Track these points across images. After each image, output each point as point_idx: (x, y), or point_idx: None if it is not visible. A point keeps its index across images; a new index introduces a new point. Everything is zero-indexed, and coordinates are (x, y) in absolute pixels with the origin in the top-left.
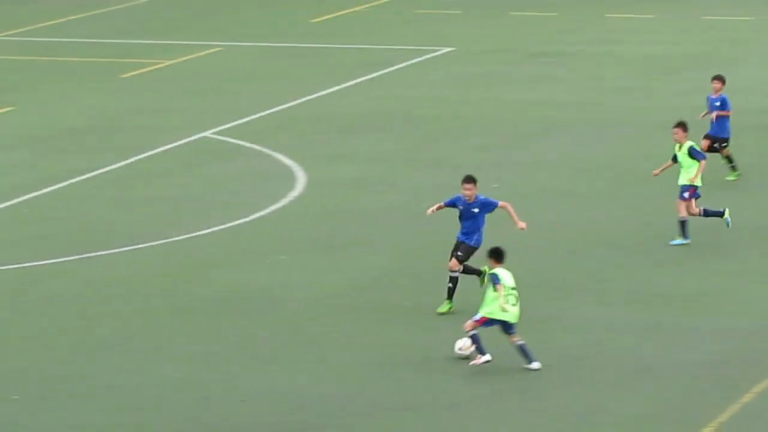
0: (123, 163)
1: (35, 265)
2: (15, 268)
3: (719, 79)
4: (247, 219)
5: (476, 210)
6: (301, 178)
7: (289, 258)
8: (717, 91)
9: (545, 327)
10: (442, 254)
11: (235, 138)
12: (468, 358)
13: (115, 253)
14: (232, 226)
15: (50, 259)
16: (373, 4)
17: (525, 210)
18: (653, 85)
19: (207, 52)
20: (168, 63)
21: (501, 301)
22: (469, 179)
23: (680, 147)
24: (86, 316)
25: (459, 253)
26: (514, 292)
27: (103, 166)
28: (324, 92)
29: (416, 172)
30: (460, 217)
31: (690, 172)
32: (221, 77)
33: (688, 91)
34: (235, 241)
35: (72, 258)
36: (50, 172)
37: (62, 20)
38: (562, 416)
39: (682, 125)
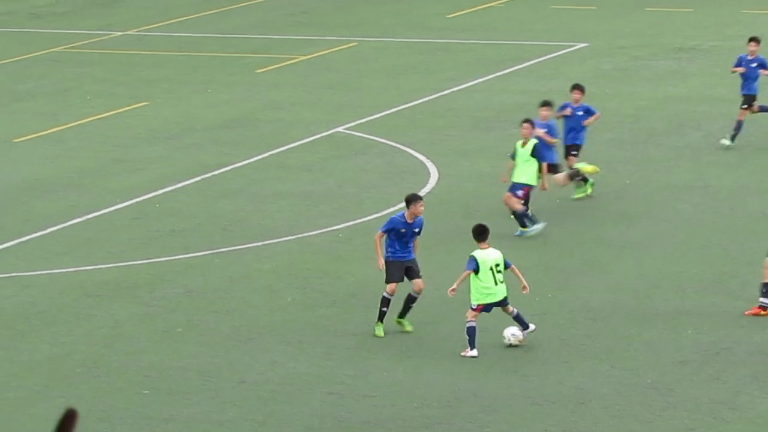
0: (257, 158)
1: (167, 260)
2: (147, 263)
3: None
4: (380, 214)
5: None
6: (433, 174)
7: (421, 253)
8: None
9: (679, 321)
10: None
11: (368, 133)
12: (518, 344)
13: (247, 248)
14: (364, 221)
15: (182, 254)
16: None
17: (657, 205)
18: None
19: (342, 47)
20: (303, 58)
21: (455, 286)
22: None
23: (524, 144)
24: (218, 310)
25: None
26: (499, 269)
27: (237, 161)
28: (457, 88)
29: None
30: (402, 237)
31: (529, 171)
32: (355, 72)
33: None
34: (367, 236)
35: (204, 253)
36: (184, 167)
37: (196, 15)
38: (690, 412)
39: (530, 121)
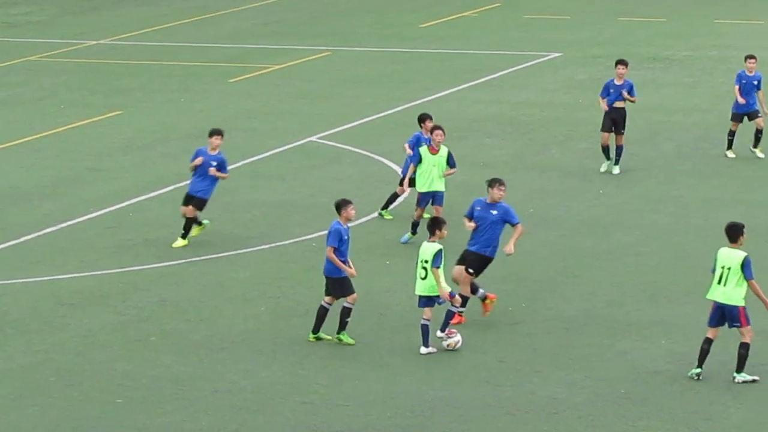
0: (230, 167)
1: (141, 269)
2: (121, 272)
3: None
4: (353, 224)
5: None
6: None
7: (393, 263)
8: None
9: (652, 331)
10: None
11: (341, 142)
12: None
13: (221, 257)
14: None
15: (156, 264)
16: (481, 9)
17: (631, 215)
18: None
19: (315, 56)
20: (276, 67)
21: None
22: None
23: (434, 150)
24: (191, 320)
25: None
26: (426, 264)
27: None
28: (430, 97)
29: (523, 177)
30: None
31: (439, 179)
32: (328, 82)
33: None
34: None
35: (178, 262)
36: (158, 176)
37: (170, 25)
38: (664, 422)
39: (442, 127)
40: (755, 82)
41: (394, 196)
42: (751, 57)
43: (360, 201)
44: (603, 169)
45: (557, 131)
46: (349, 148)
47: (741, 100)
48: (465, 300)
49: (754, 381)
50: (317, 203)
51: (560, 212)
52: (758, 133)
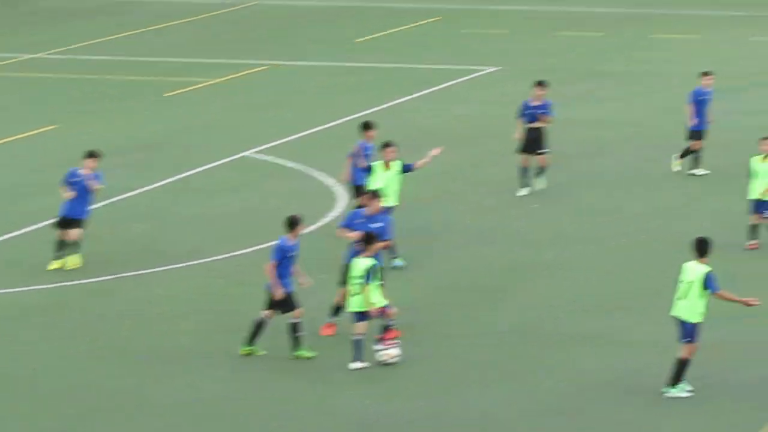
0: (165, 181)
1: (73, 285)
2: (53, 287)
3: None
4: None
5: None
6: (341, 198)
7: (329, 277)
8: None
9: (586, 345)
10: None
11: (277, 157)
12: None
13: (153, 272)
14: (272, 245)
15: (88, 279)
16: (418, 23)
17: (566, 229)
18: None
19: (252, 71)
20: (213, 82)
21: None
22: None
23: (387, 166)
24: (122, 335)
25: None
26: (359, 281)
27: (146, 185)
28: (367, 111)
29: (460, 190)
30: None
31: (389, 192)
32: (265, 96)
33: (736, 111)
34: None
35: (110, 277)
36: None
37: (106, 39)
38: None
39: (393, 144)
40: (709, 97)
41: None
42: (708, 73)
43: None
44: (522, 192)
45: (495, 145)
46: (285, 162)
47: (694, 121)
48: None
49: (685, 395)
50: (252, 218)
51: (496, 226)
52: (688, 151)
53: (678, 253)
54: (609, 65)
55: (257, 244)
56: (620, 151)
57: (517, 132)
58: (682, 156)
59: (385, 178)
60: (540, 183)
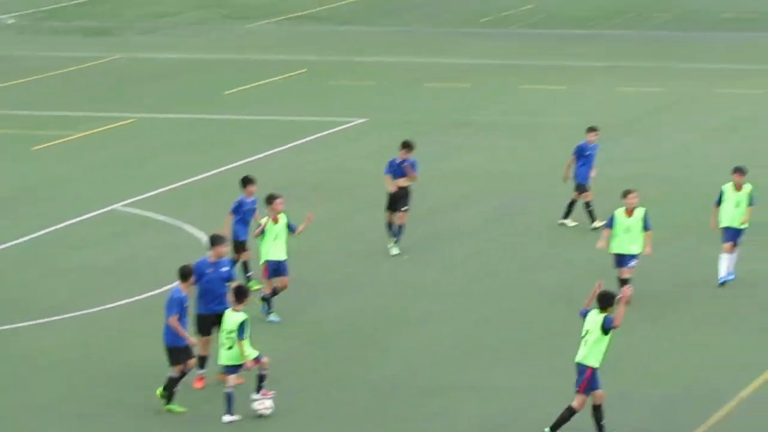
0: (35, 234)
1: None
2: None
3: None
4: (157, 291)
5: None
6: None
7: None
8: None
9: (457, 396)
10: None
11: (146, 210)
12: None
13: (27, 325)
14: (141, 298)
15: None
16: (286, 75)
17: (434, 280)
18: (568, 155)
19: (120, 123)
20: (81, 135)
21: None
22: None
23: (276, 219)
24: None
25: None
26: (231, 335)
27: (15, 239)
28: (236, 164)
29: (331, 241)
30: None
31: (279, 245)
32: (133, 149)
33: (608, 161)
34: (144, 314)
35: None
36: None
37: None
38: None
39: (280, 195)
40: (595, 152)
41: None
42: (594, 129)
43: (164, 268)
44: (393, 252)
45: (363, 196)
46: (154, 215)
47: (568, 174)
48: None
49: None
50: (122, 270)
51: (367, 277)
52: (580, 204)
53: (544, 303)
54: (476, 116)
55: (131, 297)
56: (488, 202)
57: (392, 186)
58: (588, 212)
59: (275, 231)
60: (394, 249)
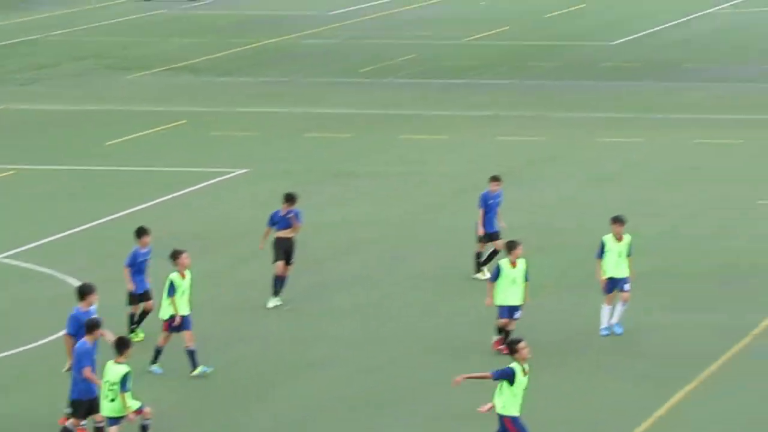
0: None
1: None
2: None
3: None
4: (36, 344)
5: None
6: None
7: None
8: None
9: None
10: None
11: (28, 261)
12: None
13: None
14: (20, 351)
15: None
16: (168, 126)
17: (320, 328)
18: (451, 204)
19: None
20: None
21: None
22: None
23: (183, 275)
24: None
25: None
26: (114, 387)
27: None
28: (118, 215)
29: (213, 293)
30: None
31: (184, 300)
32: (14, 200)
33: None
34: (26, 367)
35: None
36: None
37: None
38: None
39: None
40: (498, 201)
41: (143, 314)
42: (496, 179)
43: (46, 321)
44: (272, 304)
45: (246, 247)
46: (36, 267)
47: (481, 227)
48: None
49: None
50: (2, 324)
51: (253, 327)
52: (494, 253)
53: (431, 352)
54: (358, 166)
55: (3, 351)
56: (371, 252)
57: (262, 242)
58: (485, 263)
59: (182, 288)
60: (271, 302)
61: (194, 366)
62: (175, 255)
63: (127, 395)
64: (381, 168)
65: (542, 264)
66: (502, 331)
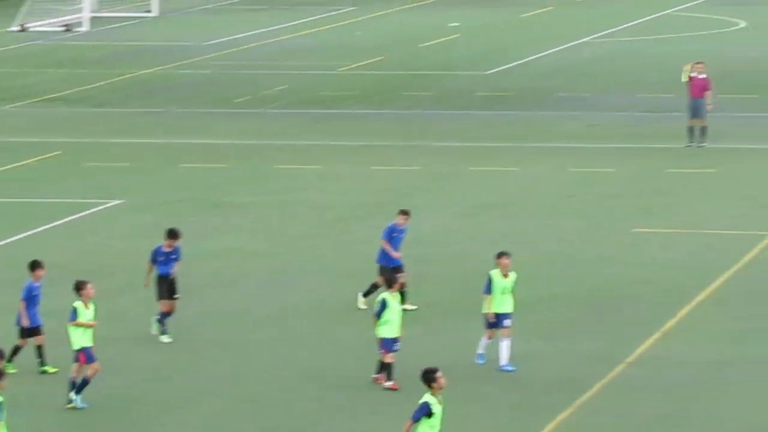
0: None
1: None
2: None
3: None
4: None
5: None
6: None
7: None
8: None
9: None
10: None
11: None
12: None
13: None
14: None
15: None
16: (41, 157)
17: (199, 361)
18: (327, 234)
19: None
20: None
21: None
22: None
23: (87, 306)
24: None
25: None
26: None
27: None
28: None
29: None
30: None
31: (89, 331)
32: None
33: (363, 240)
34: None
35: None
36: None
37: None
38: None
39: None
40: (403, 235)
41: (39, 348)
42: (405, 213)
43: None
44: (165, 340)
45: (123, 278)
46: None
47: (396, 255)
48: None
49: None
50: None
51: (125, 361)
52: (375, 287)
53: (309, 383)
54: (233, 197)
55: None
56: (248, 282)
57: (147, 279)
58: (366, 294)
59: (90, 316)
60: (165, 338)
61: (75, 394)
62: (80, 286)
63: (1, 425)
64: (257, 198)
65: (418, 294)
66: (383, 365)
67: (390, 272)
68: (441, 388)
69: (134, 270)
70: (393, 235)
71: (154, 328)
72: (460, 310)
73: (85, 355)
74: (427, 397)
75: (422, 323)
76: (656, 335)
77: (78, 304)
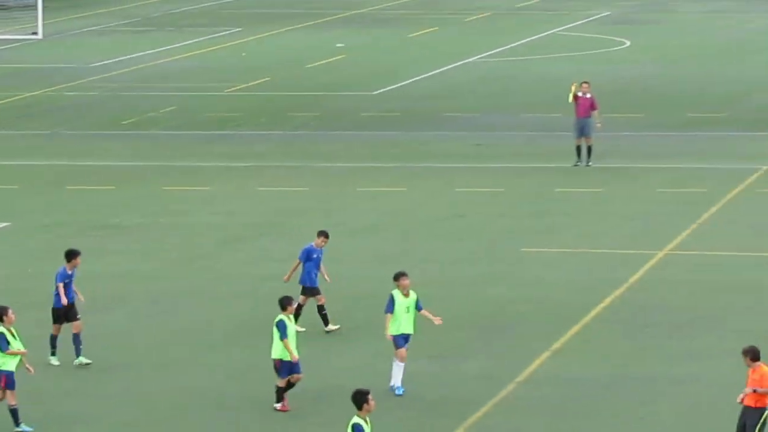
0: None
1: None
2: None
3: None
4: None
5: None
6: None
7: None
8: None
9: None
10: None
11: None
12: None
13: None
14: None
15: None
16: None
17: (78, 383)
18: (214, 254)
19: None
20: None
21: None
22: None
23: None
24: None
25: None
26: None
27: None
28: None
29: None
30: None
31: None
32: None
33: (251, 260)
34: None
35: None
36: None
37: None
38: None
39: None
40: (321, 256)
41: None
42: (325, 235)
43: None
44: (54, 362)
45: (5, 301)
46: None
47: (291, 276)
48: None
49: None
50: None
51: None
52: (299, 308)
53: (195, 405)
54: (121, 218)
55: None
56: (135, 304)
57: (63, 297)
58: (322, 315)
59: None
60: (85, 359)
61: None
62: (2, 312)
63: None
64: (145, 219)
65: (303, 314)
66: (279, 389)
67: (311, 292)
68: (370, 411)
69: (18, 292)
70: (313, 257)
71: (82, 359)
72: (345, 330)
73: (7, 380)
74: (357, 419)
75: (309, 344)
76: (546, 354)
77: (4, 329)
